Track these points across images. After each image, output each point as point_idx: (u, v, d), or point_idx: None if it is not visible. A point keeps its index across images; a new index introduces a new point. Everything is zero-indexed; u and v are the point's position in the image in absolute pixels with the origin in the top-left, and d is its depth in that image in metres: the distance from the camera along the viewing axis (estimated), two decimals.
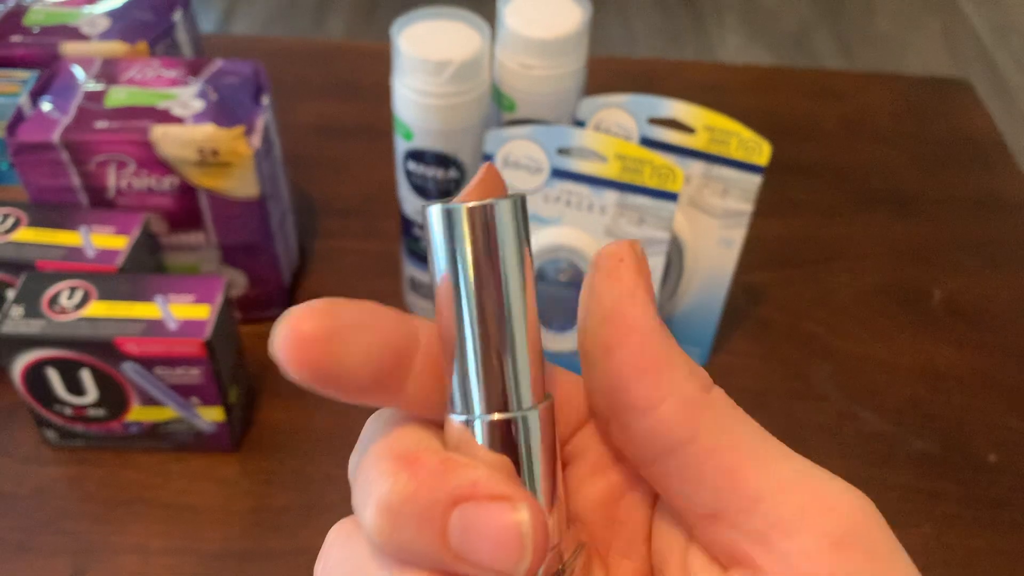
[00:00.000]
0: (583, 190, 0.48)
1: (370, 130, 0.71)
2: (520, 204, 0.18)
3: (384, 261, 0.61)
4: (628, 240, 0.19)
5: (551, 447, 0.18)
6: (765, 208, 0.66)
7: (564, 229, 0.49)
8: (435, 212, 0.17)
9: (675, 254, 0.52)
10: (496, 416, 0.18)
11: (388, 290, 0.59)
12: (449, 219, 0.17)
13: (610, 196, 0.48)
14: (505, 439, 0.18)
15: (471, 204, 0.17)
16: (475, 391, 0.18)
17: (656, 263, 0.49)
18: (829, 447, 0.52)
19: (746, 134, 0.49)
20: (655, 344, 0.18)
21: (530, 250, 0.18)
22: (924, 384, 0.56)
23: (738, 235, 0.51)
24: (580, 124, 0.51)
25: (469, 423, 0.18)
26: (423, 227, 0.19)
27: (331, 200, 0.66)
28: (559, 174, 0.48)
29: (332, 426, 0.52)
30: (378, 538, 0.16)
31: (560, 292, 0.51)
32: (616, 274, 0.18)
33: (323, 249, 0.62)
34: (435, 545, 0.16)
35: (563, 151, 0.48)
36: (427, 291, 0.56)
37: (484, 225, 0.17)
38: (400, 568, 0.17)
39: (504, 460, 0.18)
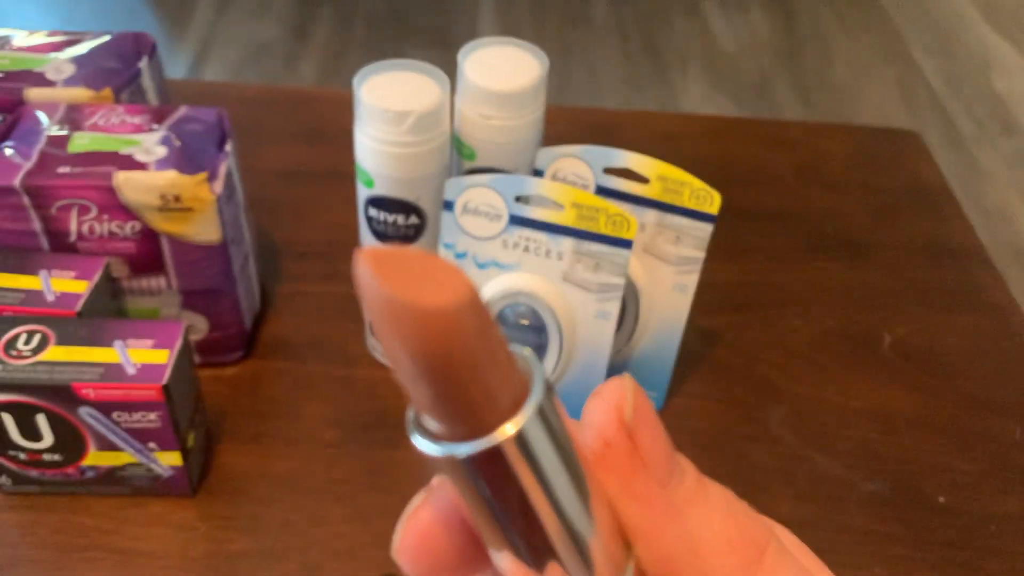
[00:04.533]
0: (541, 237, 0.49)
1: (334, 174, 0.72)
2: (547, 397, 0.14)
3: (346, 304, 0.62)
4: (618, 393, 0.15)
5: None
6: (720, 253, 0.67)
7: (523, 275, 0.50)
8: (462, 463, 0.13)
9: (631, 299, 0.54)
10: None
11: (350, 333, 0.60)
12: (467, 467, 0.14)
13: (567, 243, 0.49)
14: None
15: (482, 450, 0.13)
16: None
17: (612, 308, 0.50)
18: (782, 489, 0.53)
19: (698, 184, 0.50)
20: (670, 539, 0.15)
21: (568, 441, 0.14)
22: (875, 427, 0.58)
23: (691, 281, 0.52)
24: (539, 173, 0.53)
25: None
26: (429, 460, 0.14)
27: (294, 244, 0.66)
28: (517, 221, 0.49)
29: (290, 471, 0.52)
30: None
31: (519, 336, 0.52)
32: (606, 463, 0.15)
33: (285, 292, 0.63)
34: None
35: (521, 199, 0.49)
36: None
37: (514, 460, 0.13)
38: None
39: None
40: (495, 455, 0.13)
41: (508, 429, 0.13)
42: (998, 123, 1.83)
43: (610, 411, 0.15)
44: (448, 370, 0.12)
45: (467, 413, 0.13)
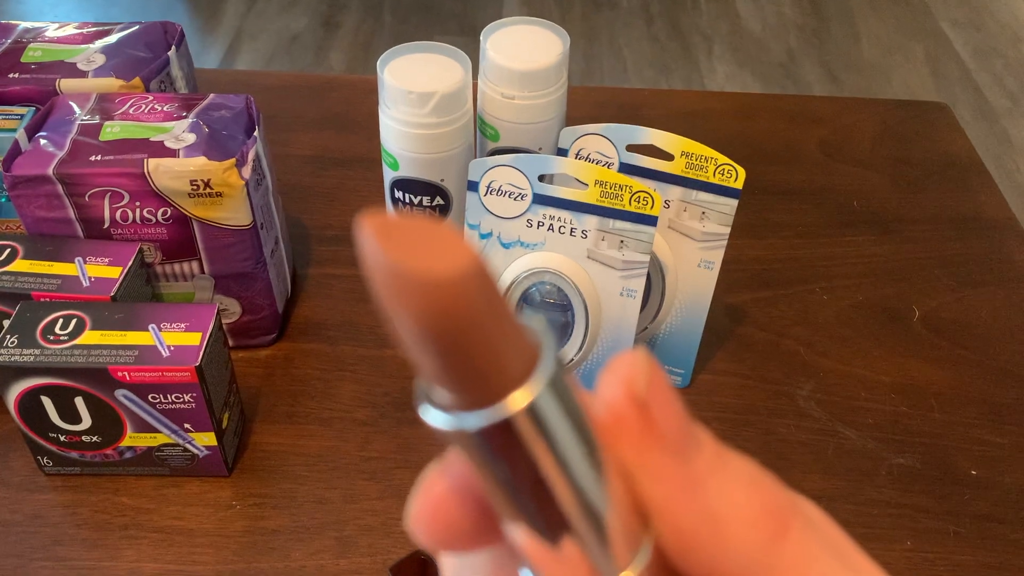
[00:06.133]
0: (565, 215, 0.49)
1: (362, 160, 0.72)
2: (557, 367, 0.13)
3: None
4: (629, 366, 0.15)
5: None
6: (747, 230, 0.67)
7: (547, 253, 0.51)
8: (472, 435, 0.13)
9: (657, 276, 0.54)
10: None
11: (380, 315, 0.60)
12: (478, 440, 0.13)
13: (591, 221, 0.49)
14: None
15: (493, 423, 0.12)
16: (564, 569, 0.15)
17: (637, 285, 0.50)
18: (811, 464, 0.53)
19: (722, 159, 0.50)
20: (688, 514, 0.15)
21: (581, 414, 0.14)
22: (905, 401, 0.57)
23: (717, 257, 0.52)
24: (562, 152, 0.53)
25: None
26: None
27: (323, 228, 0.67)
28: (541, 200, 0.49)
29: (323, 450, 0.53)
30: None
31: (545, 314, 0.53)
32: (619, 438, 0.15)
33: (316, 276, 0.64)
34: None
35: (545, 178, 0.49)
36: None
37: (525, 431, 0.13)
38: None
39: None
40: (505, 427, 0.13)
41: (518, 400, 0.12)
42: None
43: (621, 385, 0.15)
44: (454, 339, 0.12)
45: (475, 384, 0.12)
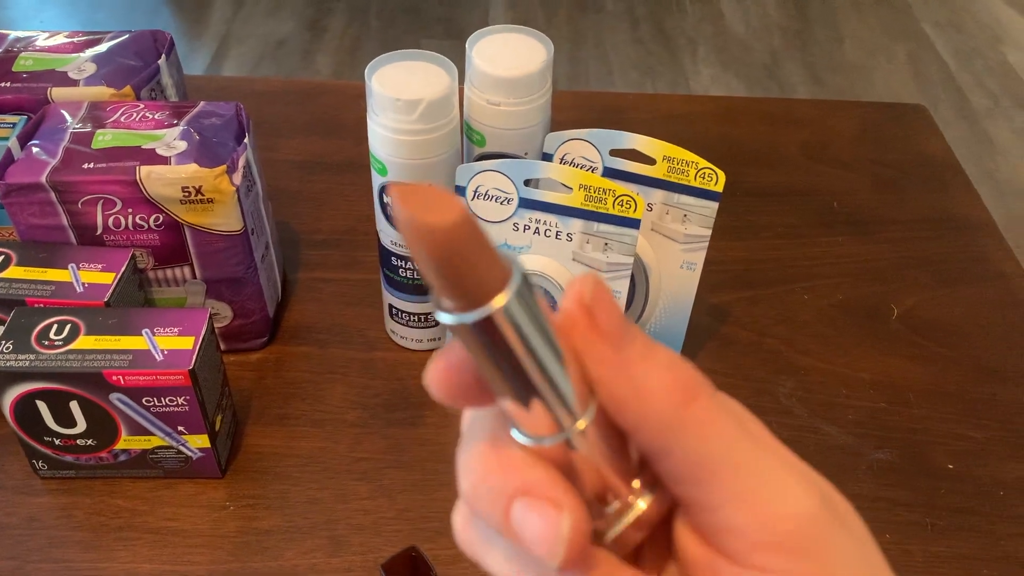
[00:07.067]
0: (550, 219, 0.50)
1: (351, 165, 0.73)
2: (524, 283, 0.18)
3: (364, 290, 0.63)
4: (580, 283, 0.20)
5: (607, 437, 0.21)
6: (729, 231, 0.68)
7: (533, 256, 0.52)
8: (465, 327, 0.18)
9: (640, 278, 0.55)
10: (548, 440, 0.20)
11: (370, 318, 0.61)
12: (471, 330, 0.18)
13: (576, 224, 0.50)
14: (568, 448, 0.21)
15: (483, 315, 0.18)
16: (536, 422, 0.20)
17: (621, 286, 0.51)
18: None
19: (703, 163, 0.51)
20: (620, 387, 0.20)
21: (543, 315, 0.19)
22: (884, 397, 0.59)
23: (699, 258, 0.54)
24: (547, 157, 0.54)
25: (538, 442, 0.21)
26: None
27: (313, 233, 0.68)
28: (527, 204, 0.50)
29: (315, 451, 0.54)
30: (467, 502, 0.22)
31: None
32: (572, 333, 0.20)
33: (306, 280, 0.64)
34: (501, 519, 0.20)
35: (530, 182, 0.50)
36: (406, 318, 0.58)
37: (504, 326, 0.18)
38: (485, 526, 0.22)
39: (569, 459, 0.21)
40: (489, 320, 0.18)
41: (497, 303, 0.18)
42: (1011, 96, 1.82)
43: (574, 296, 0.20)
44: (453, 265, 0.17)
45: (468, 294, 0.18)
